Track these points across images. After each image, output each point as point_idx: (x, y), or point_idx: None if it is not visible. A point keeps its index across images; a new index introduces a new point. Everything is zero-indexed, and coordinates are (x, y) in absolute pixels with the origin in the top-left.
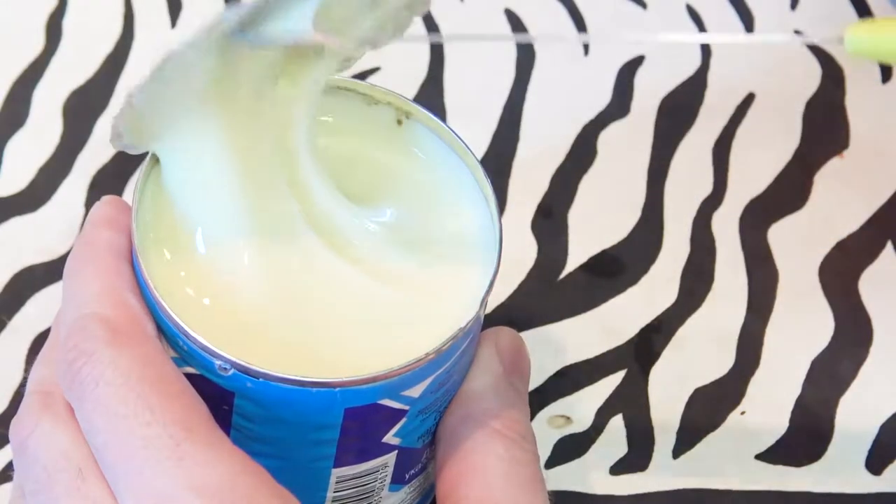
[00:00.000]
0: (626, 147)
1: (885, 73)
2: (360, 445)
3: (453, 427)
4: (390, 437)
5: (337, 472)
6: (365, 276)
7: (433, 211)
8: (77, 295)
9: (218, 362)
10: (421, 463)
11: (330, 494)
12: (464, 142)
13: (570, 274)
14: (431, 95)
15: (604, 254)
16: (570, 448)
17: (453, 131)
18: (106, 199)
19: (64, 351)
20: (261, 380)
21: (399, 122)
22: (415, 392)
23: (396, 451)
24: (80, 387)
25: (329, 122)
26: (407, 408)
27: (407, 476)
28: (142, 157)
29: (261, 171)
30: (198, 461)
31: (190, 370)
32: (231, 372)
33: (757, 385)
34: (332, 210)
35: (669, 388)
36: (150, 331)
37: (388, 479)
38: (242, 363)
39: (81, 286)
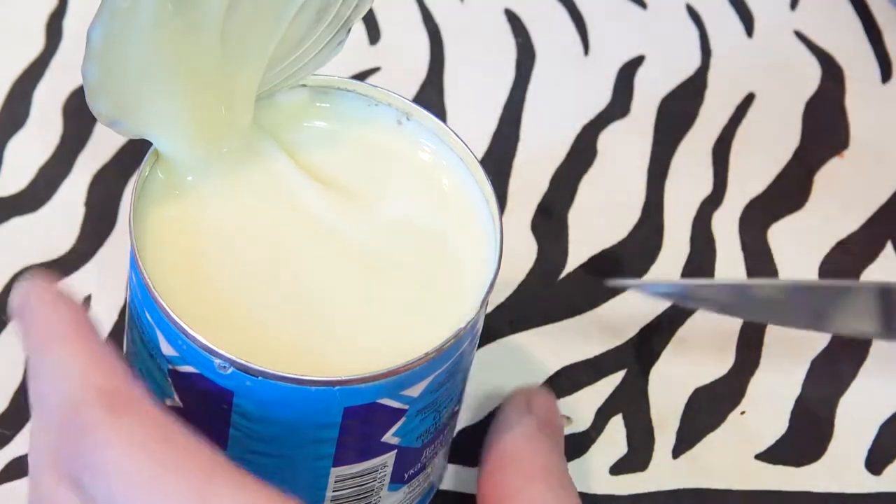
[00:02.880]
0: (626, 147)
1: (885, 73)
2: (359, 445)
3: (493, 479)
4: (389, 437)
5: (336, 472)
6: (365, 276)
7: (433, 211)
8: (58, 375)
9: (217, 361)
10: (420, 463)
11: (329, 493)
12: (464, 142)
13: (570, 274)
14: (431, 95)
15: (604, 254)
16: (570, 448)
17: (453, 131)
18: (32, 281)
19: (62, 428)
20: (260, 378)
21: (399, 123)
22: (414, 391)
23: (396, 451)
24: (85, 460)
25: (329, 123)
26: (406, 407)
27: (406, 476)
28: (142, 157)
29: (245, 165)
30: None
31: (189, 369)
32: (230, 370)
33: (757, 385)
34: (329, 210)
35: (669, 388)
36: (145, 392)
37: (388, 479)
38: (241, 362)
39: (60, 366)
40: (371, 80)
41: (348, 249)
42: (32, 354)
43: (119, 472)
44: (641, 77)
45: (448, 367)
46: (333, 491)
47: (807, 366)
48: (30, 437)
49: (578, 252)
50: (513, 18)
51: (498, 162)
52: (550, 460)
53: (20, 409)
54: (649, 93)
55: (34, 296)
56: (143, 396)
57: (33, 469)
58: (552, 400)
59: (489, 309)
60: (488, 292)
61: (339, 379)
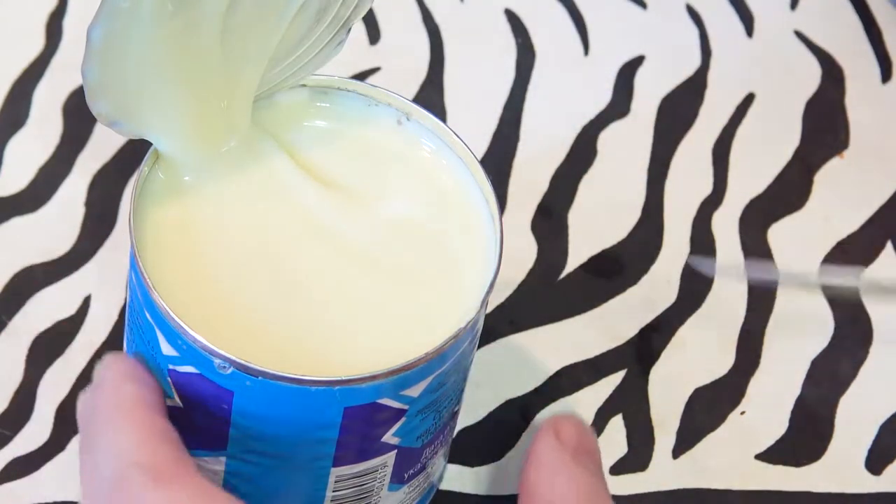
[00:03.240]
0: (626, 147)
1: (885, 73)
2: (359, 445)
3: None
4: (389, 437)
5: (336, 472)
6: (365, 275)
7: (433, 211)
8: (114, 450)
9: (217, 361)
10: (420, 463)
11: (329, 494)
12: (464, 142)
13: (570, 274)
14: (431, 95)
15: (604, 254)
16: None
17: (453, 131)
18: (113, 356)
19: None
20: (260, 378)
21: (399, 123)
22: (414, 391)
23: (395, 451)
24: None
25: (329, 123)
26: (406, 407)
27: (406, 476)
28: (142, 157)
29: (246, 165)
30: None
31: (189, 369)
32: (230, 370)
33: (757, 385)
34: (329, 210)
35: (669, 388)
36: (194, 468)
37: (388, 479)
38: (241, 362)
39: (115, 440)
40: (371, 80)
41: (348, 249)
42: (91, 428)
43: None
44: (641, 77)
45: (448, 366)
46: (333, 491)
47: (807, 366)
48: (81, 500)
49: (578, 252)
50: (513, 18)
51: (498, 162)
52: (588, 489)
53: (20, 409)
54: (649, 93)
55: (105, 371)
56: (191, 472)
57: None
58: (581, 424)
59: (489, 309)
60: (488, 292)
61: (339, 379)
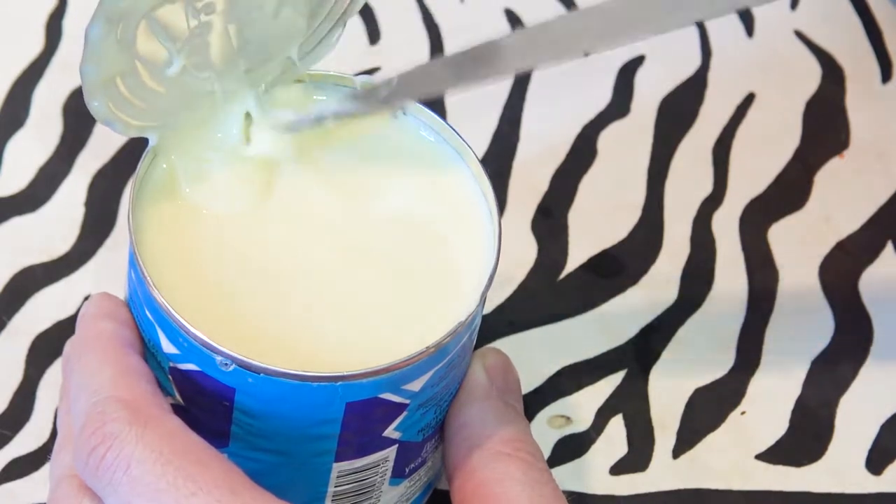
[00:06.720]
0: (626, 147)
1: (885, 73)
2: (360, 440)
3: (464, 459)
4: (391, 432)
5: (338, 467)
6: (364, 271)
7: (431, 206)
8: (88, 384)
9: (219, 358)
10: (421, 457)
11: (331, 489)
12: (464, 139)
13: (570, 274)
14: None
15: (604, 254)
16: (570, 448)
17: (453, 129)
18: (99, 294)
19: (83, 439)
20: (261, 375)
21: (396, 118)
22: (415, 386)
23: (397, 445)
24: (108, 472)
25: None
26: (407, 402)
27: (407, 470)
28: (141, 156)
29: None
30: None
31: (191, 367)
32: (232, 367)
33: (757, 385)
34: (327, 205)
35: (669, 388)
36: (168, 407)
37: (389, 473)
38: (243, 358)
39: (91, 374)
40: None
41: (347, 244)
42: (68, 362)
43: (142, 485)
44: (641, 77)
45: (448, 361)
46: (335, 486)
47: (807, 366)
48: (54, 447)
49: (578, 252)
50: (513, 18)
51: (498, 162)
52: (519, 433)
53: (20, 409)
54: (649, 93)
55: (86, 309)
56: (165, 411)
57: (55, 480)
58: (507, 362)
59: (489, 309)
60: (487, 287)
61: (340, 374)
